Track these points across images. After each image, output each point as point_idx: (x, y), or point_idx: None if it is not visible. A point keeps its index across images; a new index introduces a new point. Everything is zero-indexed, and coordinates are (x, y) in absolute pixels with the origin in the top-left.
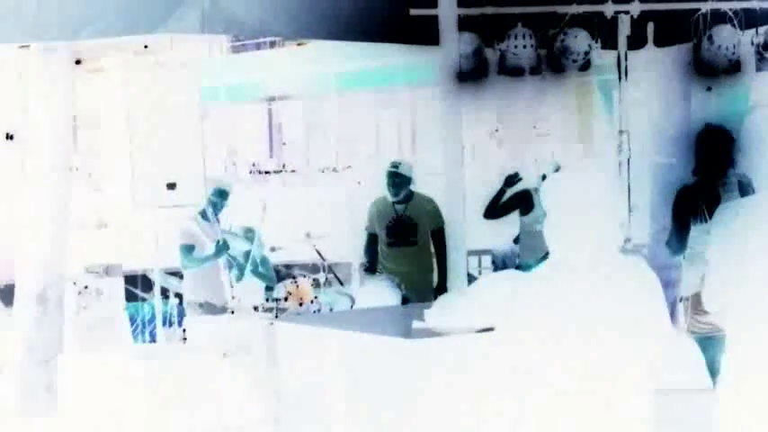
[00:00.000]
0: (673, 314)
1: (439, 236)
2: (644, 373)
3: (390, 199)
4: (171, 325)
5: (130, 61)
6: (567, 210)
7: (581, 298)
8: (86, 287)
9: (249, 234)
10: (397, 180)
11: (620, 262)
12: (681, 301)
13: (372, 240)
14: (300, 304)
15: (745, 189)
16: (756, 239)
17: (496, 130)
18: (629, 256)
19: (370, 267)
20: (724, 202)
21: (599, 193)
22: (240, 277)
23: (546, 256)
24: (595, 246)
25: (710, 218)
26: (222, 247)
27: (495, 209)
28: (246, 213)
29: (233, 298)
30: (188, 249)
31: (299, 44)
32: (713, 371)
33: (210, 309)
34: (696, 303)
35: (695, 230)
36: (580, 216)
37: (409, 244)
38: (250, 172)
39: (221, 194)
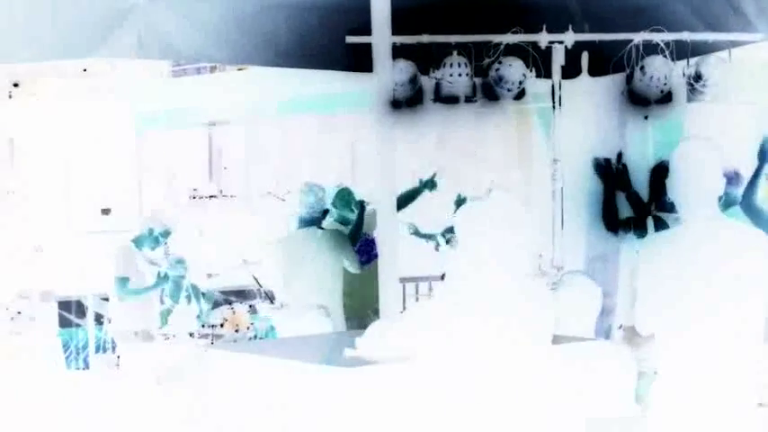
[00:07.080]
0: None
1: None
2: (572, 399)
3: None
4: (105, 351)
5: (66, 86)
6: (476, 237)
7: (490, 323)
8: (19, 312)
9: (180, 264)
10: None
11: (528, 287)
12: (620, 328)
13: None
14: (236, 330)
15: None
16: (683, 268)
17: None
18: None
19: None
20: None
21: (506, 221)
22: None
23: None
24: (502, 270)
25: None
26: (163, 279)
27: None
28: (184, 239)
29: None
30: (123, 281)
31: (239, 69)
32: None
33: (146, 336)
34: (631, 335)
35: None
36: (486, 243)
37: None
38: (192, 197)
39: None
